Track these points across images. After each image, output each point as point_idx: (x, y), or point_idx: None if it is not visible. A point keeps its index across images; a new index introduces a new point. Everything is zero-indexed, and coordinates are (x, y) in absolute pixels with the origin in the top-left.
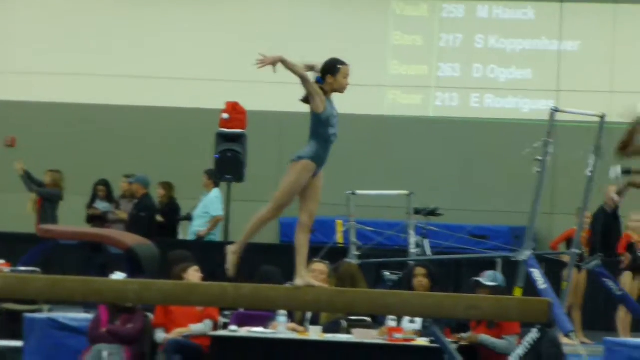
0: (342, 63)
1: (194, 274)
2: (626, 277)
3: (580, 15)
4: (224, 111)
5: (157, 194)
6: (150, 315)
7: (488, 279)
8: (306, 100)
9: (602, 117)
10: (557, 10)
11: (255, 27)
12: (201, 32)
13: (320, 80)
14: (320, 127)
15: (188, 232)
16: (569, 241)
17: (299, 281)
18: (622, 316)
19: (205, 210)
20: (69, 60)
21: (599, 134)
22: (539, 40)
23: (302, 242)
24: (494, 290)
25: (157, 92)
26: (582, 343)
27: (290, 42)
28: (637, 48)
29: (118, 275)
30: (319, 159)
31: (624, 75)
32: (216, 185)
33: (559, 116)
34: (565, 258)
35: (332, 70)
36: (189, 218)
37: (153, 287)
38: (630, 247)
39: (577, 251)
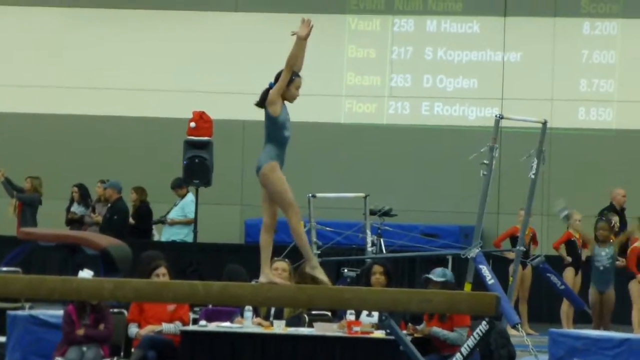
0: (297, 75)
1: (161, 274)
2: (568, 273)
3: (522, 28)
4: (191, 120)
5: (130, 198)
6: (125, 312)
7: (438, 275)
8: (260, 104)
9: (544, 123)
10: (501, 24)
11: (219, 41)
12: (170, 46)
13: (272, 85)
14: (277, 130)
15: (162, 234)
16: (512, 239)
17: (262, 278)
18: (565, 309)
19: (182, 213)
20: (47, 73)
21: (541, 139)
22: (484, 52)
23: (266, 242)
24: (443, 285)
25: (130, 103)
26: (528, 334)
27: (254, 55)
28: (575, 58)
29: (85, 273)
30: (279, 159)
31: (563, 83)
32: (188, 190)
33: (504, 123)
34: (511, 255)
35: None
36: (163, 221)
37: (127, 286)
38: (571, 244)
39: (522, 248)
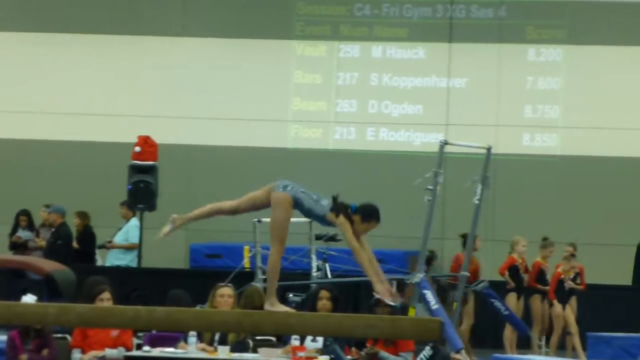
0: (377, 220)
1: (105, 299)
2: (511, 298)
3: (467, 54)
4: (136, 144)
5: (73, 223)
6: (68, 337)
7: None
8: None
9: (489, 149)
10: (446, 50)
11: (165, 65)
12: (116, 70)
13: (354, 210)
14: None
15: (106, 259)
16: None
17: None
18: (509, 334)
19: (126, 237)
20: None
21: (485, 165)
22: (429, 78)
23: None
24: (392, 309)
25: (75, 127)
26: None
27: (200, 80)
28: (520, 84)
29: (29, 297)
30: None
31: (508, 109)
32: (134, 214)
33: (448, 148)
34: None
35: (367, 217)
36: (107, 246)
37: (71, 311)
38: (515, 270)
39: (466, 274)
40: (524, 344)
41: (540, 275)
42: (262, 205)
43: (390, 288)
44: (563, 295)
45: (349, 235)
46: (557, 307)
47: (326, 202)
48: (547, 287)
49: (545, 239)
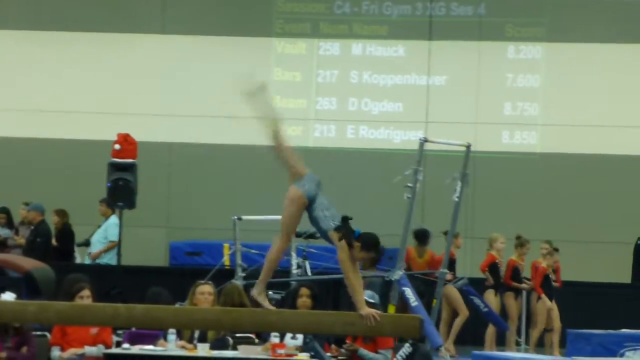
0: (377, 253)
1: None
2: (489, 295)
3: (447, 52)
4: (116, 142)
5: (52, 221)
6: (48, 335)
7: (367, 296)
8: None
9: (468, 146)
10: (426, 48)
11: (145, 63)
12: (95, 68)
13: (356, 236)
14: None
15: (86, 256)
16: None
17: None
18: (491, 331)
19: (104, 235)
20: None
21: (465, 162)
22: (409, 76)
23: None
24: (372, 307)
25: (53, 125)
26: (452, 357)
27: (180, 77)
28: (499, 81)
29: (8, 295)
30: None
31: (488, 107)
32: (113, 211)
33: (428, 146)
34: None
35: (367, 248)
36: (87, 244)
37: (50, 308)
38: (494, 267)
39: (446, 271)
40: (501, 341)
41: (514, 273)
42: None
43: (374, 312)
44: (550, 290)
45: (344, 258)
46: (545, 302)
47: (334, 221)
48: (522, 285)
49: (518, 237)
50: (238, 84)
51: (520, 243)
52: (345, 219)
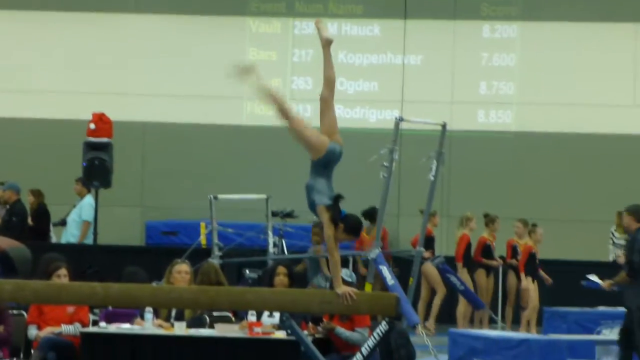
0: (357, 237)
1: (62, 275)
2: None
3: (422, 31)
4: (91, 121)
5: (27, 200)
6: (24, 313)
7: (344, 275)
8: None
9: (444, 125)
10: (401, 27)
11: (119, 42)
12: (70, 47)
13: (342, 217)
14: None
15: (62, 236)
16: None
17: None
18: (462, 309)
19: (80, 214)
20: None
21: (441, 141)
22: (384, 55)
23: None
24: (349, 285)
25: (29, 105)
26: (430, 334)
27: (154, 56)
28: (475, 60)
29: None
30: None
31: (463, 86)
32: (89, 191)
33: (404, 125)
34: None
35: (350, 231)
36: (63, 223)
37: (26, 287)
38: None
39: (422, 249)
40: (471, 319)
41: (485, 250)
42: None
43: (351, 290)
44: (534, 269)
45: (331, 234)
46: (523, 281)
47: (326, 199)
48: (492, 262)
49: (487, 215)
50: (226, 68)
51: (490, 220)
52: (337, 198)
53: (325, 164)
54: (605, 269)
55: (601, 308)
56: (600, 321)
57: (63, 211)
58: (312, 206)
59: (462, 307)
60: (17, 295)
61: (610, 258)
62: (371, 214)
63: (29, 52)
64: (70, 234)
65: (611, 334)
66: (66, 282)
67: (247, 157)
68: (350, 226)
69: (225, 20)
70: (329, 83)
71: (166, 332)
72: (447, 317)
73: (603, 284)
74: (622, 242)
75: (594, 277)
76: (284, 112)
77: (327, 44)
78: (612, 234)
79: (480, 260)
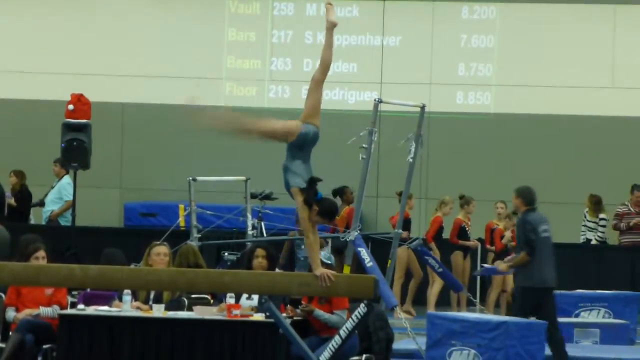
0: (330, 221)
1: (40, 257)
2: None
3: (401, 13)
4: (70, 102)
5: (9, 182)
6: (2, 295)
7: (323, 257)
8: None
9: (422, 107)
10: (380, 8)
11: (98, 23)
12: (48, 28)
13: (318, 198)
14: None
15: (42, 217)
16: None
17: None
18: (435, 291)
19: (59, 195)
20: None
21: (420, 123)
22: (363, 36)
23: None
24: (327, 267)
25: (7, 85)
26: (407, 317)
27: (133, 37)
28: (453, 42)
29: None
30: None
31: (442, 67)
32: (67, 172)
33: (382, 107)
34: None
35: (324, 214)
36: (41, 204)
37: (4, 269)
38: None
39: (400, 231)
40: (445, 301)
41: (461, 231)
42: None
43: (329, 272)
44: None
45: (305, 217)
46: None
47: (300, 180)
48: (468, 242)
49: (462, 196)
50: (188, 120)
51: (466, 201)
52: (312, 181)
53: (299, 146)
54: (582, 250)
55: (579, 291)
56: (578, 304)
57: (41, 192)
58: (287, 187)
59: (434, 288)
60: None
61: (581, 240)
62: (340, 193)
63: (6, 32)
64: (51, 202)
65: (589, 316)
66: (44, 263)
67: (226, 138)
68: (324, 209)
69: (204, 1)
70: (324, 65)
71: (144, 314)
72: (425, 299)
73: (499, 267)
74: (591, 224)
75: (487, 265)
76: (242, 129)
77: (331, 26)
78: (585, 216)
79: (456, 242)
